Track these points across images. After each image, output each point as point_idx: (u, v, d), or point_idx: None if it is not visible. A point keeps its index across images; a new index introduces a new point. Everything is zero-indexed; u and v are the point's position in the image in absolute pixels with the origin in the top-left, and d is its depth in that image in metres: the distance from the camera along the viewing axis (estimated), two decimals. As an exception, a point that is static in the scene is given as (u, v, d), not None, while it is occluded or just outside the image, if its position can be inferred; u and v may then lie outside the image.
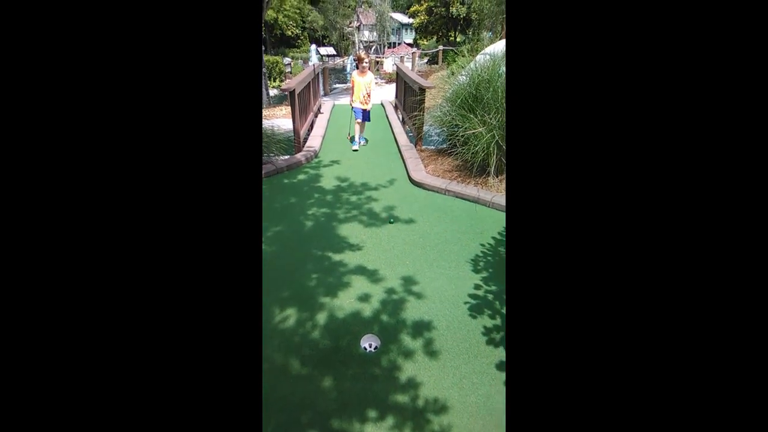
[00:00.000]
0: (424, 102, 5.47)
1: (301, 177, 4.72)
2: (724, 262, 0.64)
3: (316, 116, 7.55)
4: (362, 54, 5.98)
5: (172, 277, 0.70)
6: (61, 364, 0.66)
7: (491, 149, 4.23)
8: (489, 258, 2.99)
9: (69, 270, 0.67)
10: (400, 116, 7.48)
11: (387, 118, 7.49)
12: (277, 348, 2.12)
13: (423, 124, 5.60)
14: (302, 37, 28.22)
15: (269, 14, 20.62)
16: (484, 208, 3.89)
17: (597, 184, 0.70)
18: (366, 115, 5.71)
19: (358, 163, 5.23)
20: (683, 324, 0.66)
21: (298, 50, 25.96)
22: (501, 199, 3.91)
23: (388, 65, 16.01)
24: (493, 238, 3.30)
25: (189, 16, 0.69)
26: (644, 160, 0.67)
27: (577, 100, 0.70)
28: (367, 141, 6.01)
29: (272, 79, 11.21)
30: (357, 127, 5.81)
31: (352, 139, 6.02)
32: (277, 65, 11.45)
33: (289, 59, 12.68)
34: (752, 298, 0.62)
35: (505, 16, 10.75)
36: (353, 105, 5.69)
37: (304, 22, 27.24)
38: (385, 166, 5.13)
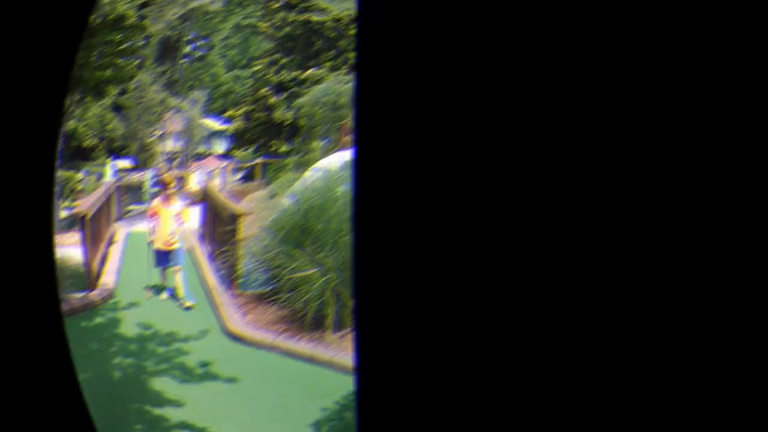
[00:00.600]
0: (238, 233, 4.46)
1: (99, 320, 4.31)
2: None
3: (109, 246, 6.95)
4: (168, 176, 4.90)
5: None
6: None
7: (327, 298, 3.46)
8: (333, 423, 2.87)
9: None
10: (209, 249, 6.10)
11: (192, 252, 6.11)
12: None
13: (238, 260, 4.52)
14: (99, 148, 25.66)
15: (69, 125, 18.43)
16: (323, 368, 3.39)
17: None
18: (178, 256, 4.61)
19: (159, 309, 4.62)
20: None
21: (94, 163, 23.16)
22: (345, 356, 3.24)
23: (194, 182, 13.41)
24: (337, 402, 3.01)
25: None
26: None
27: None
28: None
29: (64, 197, 9.82)
30: (178, 277, 4.59)
31: (157, 291, 4.79)
32: (70, 181, 10.17)
33: (87, 171, 11.43)
34: (749, 300, 0.63)
35: (343, 122, 8.26)
36: (155, 246, 4.52)
37: (103, 131, 25.20)
38: (192, 312, 4.51)
